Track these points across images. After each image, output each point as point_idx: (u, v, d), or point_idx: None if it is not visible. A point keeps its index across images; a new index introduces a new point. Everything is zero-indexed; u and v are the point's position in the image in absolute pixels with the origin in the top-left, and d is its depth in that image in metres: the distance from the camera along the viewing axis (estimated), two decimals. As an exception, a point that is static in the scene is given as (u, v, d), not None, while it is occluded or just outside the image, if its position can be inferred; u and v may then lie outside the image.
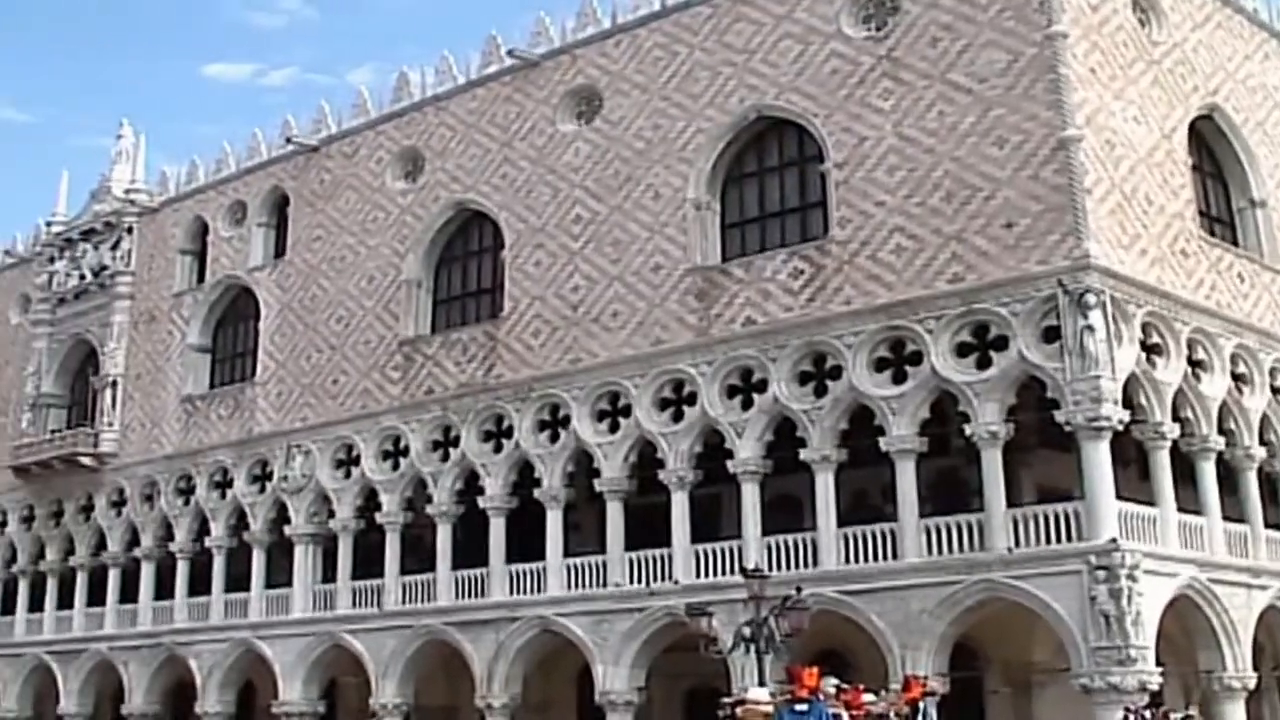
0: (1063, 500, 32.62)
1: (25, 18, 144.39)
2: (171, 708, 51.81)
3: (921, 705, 24.49)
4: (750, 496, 36.85)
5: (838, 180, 36.52)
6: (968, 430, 33.55)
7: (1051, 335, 32.52)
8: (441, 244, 46.26)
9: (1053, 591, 31.49)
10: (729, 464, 37.25)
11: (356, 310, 47.26)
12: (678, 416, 38.56)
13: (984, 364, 33.53)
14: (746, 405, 37.33)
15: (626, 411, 39.54)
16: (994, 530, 32.63)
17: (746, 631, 30.29)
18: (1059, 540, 31.91)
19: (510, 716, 40.92)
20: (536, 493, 41.13)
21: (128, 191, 57.38)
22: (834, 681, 22.13)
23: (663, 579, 37.88)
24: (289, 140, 50.87)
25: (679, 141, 39.94)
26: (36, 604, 57.40)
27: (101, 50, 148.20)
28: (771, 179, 39.40)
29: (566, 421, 40.73)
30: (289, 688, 46.21)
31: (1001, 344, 33.25)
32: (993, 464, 33.11)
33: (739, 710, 21.68)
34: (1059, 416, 32.24)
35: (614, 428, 39.87)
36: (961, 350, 33.97)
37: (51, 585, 56.83)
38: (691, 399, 38.32)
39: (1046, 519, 32.35)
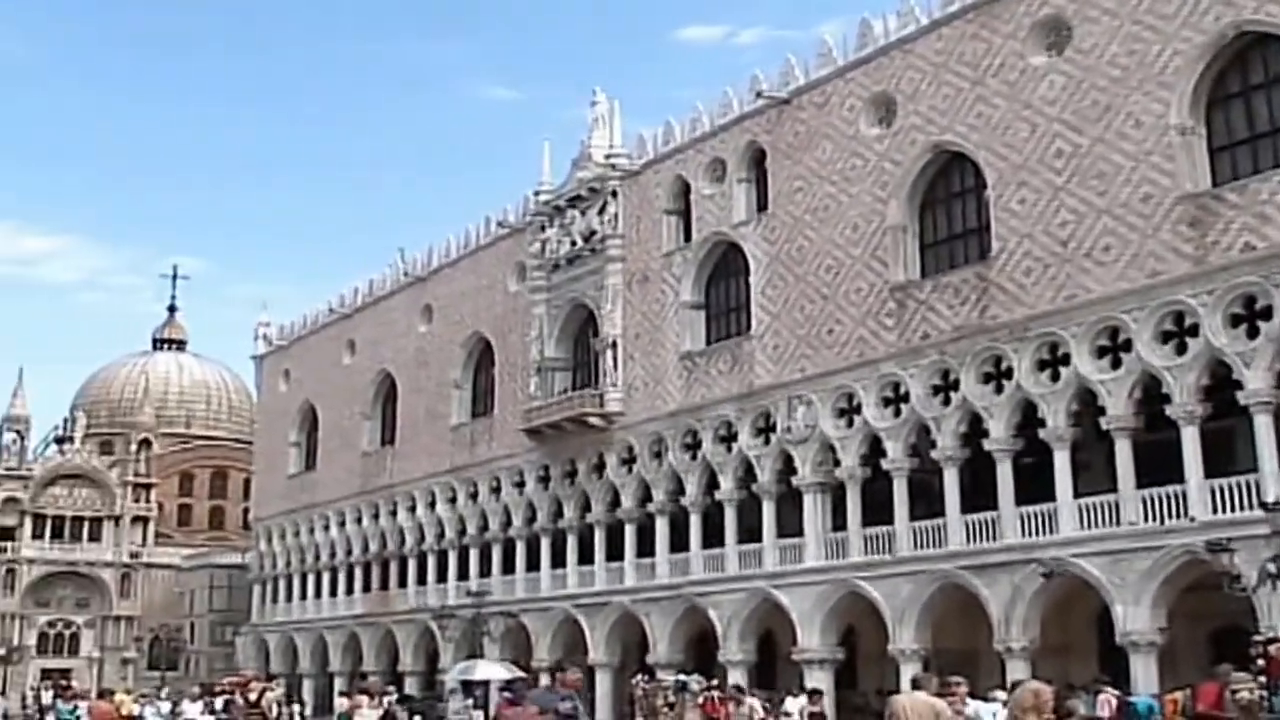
0: None
1: (515, 4, 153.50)
2: (694, 656, 55.01)
3: None
4: (1264, 428, 37.05)
5: (1333, 93, 36.38)
6: None
7: None
8: (923, 187, 47.81)
9: None
10: (1239, 395, 37.56)
11: (844, 259, 49.30)
12: (1181, 349, 39.09)
13: None
14: (1253, 334, 37.59)
15: (1127, 346, 40.24)
16: None
17: (1271, 568, 30.98)
18: None
19: (1030, 659, 41.70)
20: (1041, 433, 42.22)
21: (608, 157, 61.23)
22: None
23: (1177, 516, 38.42)
24: (759, 95, 53.34)
25: (1156, 66, 40.19)
26: (558, 560, 62.41)
27: (578, 26, 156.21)
28: (1259, 97, 39.38)
29: (1066, 360, 41.71)
30: (807, 635, 48.97)
31: None
32: None
33: (1272, 649, 22.68)
34: None
35: (1115, 364, 40.63)
36: None
37: (572, 542, 61.71)
38: (1194, 330, 38.75)
39: None
